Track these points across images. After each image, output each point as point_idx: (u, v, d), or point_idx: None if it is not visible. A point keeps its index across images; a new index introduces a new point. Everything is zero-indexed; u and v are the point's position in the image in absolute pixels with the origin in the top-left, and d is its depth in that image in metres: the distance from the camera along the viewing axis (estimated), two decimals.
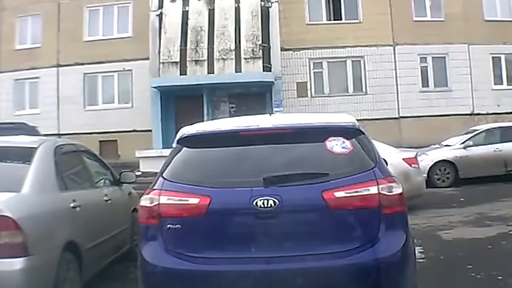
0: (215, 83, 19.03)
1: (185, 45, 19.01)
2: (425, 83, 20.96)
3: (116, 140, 20.69)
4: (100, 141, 19.98)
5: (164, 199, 3.68)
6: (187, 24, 19.25)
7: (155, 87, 19.26)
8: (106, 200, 5.71)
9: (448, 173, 13.48)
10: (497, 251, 6.38)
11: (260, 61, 18.78)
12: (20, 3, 21.74)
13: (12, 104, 21.51)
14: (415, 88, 20.71)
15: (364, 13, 20.71)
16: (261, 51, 18.80)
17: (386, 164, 4.00)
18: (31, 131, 11.28)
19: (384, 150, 9.95)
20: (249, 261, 3.52)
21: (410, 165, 9.71)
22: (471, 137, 14.18)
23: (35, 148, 4.76)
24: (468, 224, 8.34)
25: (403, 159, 9.74)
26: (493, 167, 13.39)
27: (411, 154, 10.19)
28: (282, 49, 19.99)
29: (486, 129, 14.61)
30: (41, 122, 20.34)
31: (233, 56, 18.74)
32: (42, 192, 4.40)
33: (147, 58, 19.75)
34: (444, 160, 13.55)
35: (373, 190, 3.59)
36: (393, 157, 9.65)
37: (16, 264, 3.79)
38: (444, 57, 20.90)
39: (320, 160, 3.79)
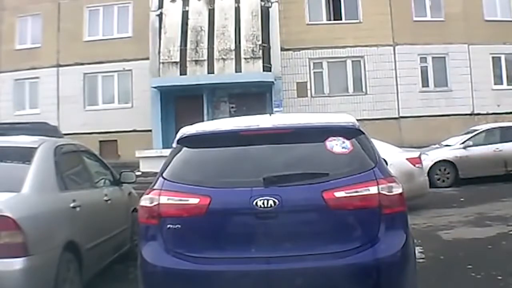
0: (215, 83, 19.04)
1: (185, 45, 19.01)
2: (425, 83, 20.96)
3: (116, 140, 20.68)
4: (100, 141, 19.97)
5: (164, 199, 3.68)
6: (187, 24, 19.25)
7: (155, 87, 19.26)
8: (106, 200, 5.71)
9: (448, 173, 13.48)
10: (497, 251, 6.38)
11: (260, 61, 18.78)
12: (20, 3, 21.74)
13: (12, 104, 21.51)
14: (415, 88, 20.70)
15: (364, 13, 20.71)
16: (261, 51, 18.80)
17: (386, 164, 4.00)
18: (53, 131, 11.15)
19: (387, 150, 10.00)
20: (249, 261, 3.52)
21: (414, 165, 9.70)
22: (471, 137, 14.18)
23: (35, 148, 4.76)
24: (468, 224, 8.34)
25: (407, 159, 9.75)
26: (493, 167, 13.39)
27: (414, 154, 10.18)
28: (282, 49, 19.99)
29: (486, 129, 14.61)
30: None
31: (233, 56, 18.74)
32: (42, 192, 4.41)
33: (147, 58, 19.75)
34: (444, 160, 13.54)
35: (373, 190, 3.59)
36: (396, 157, 9.70)
37: (16, 264, 3.79)
38: (444, 57, 20.90)
39: (320, 160, 3.79)
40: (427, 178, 9.77)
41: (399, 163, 9.53)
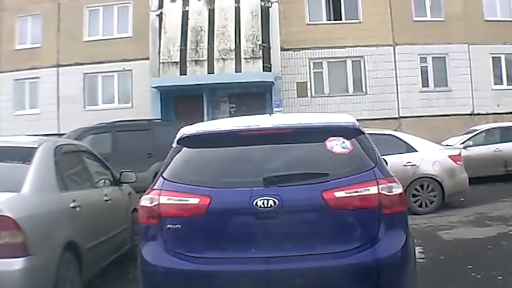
0: (215, 83, 19.03)
1: (185, 45, 19.01)
2: (425, 83, 20.93)
3: None
4: None
5: (164, 199, 3.68)
6: (187, 24, 19.24)
7: (155, 87, 19.26)
8: (106, 200, 5.72)
9: None
10: (497, 251, 6.38)
11: (260, 61, 18.77)
12: (20, 3, 21.71)
13: (12, 104, 21.48)
14: (415, 88, 20.68)
15: (364, 13, 20.70)
16: (261, 51, 18.79)
17: (386, 164, 4.00)
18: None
19: (431, 148, 10.26)
20: (249, 261, 3.53)
21: (456, 162, 9.90)
22: (471, 137, 14.19)
23: (35, 148, 4.76)
24: (468, 224, 8.35)
25: (449, 156, 9.95)
26: (493, 167, 13.39)
27: (456, 151, 10.35)
28: (282, 49, 19.97)
29: (486, 129, 14.62)
30: (41, 122, 20.40)
31: (233, 56, 18.74)
32: (42, 192, 4.41)
33: (147, 58, 19.74)
34: None
35: (373, 190, 3.59)
36: (439, 154, 9.93)
37: (16, 264, 3.79)
38: (444, 57, 20.88)
39: (320, 160, 3.79)
40: (467, 175, 9.93)
41: (443, 160, 9.79)
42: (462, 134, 14.77)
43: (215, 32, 18.97)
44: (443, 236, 7.57)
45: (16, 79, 21.55)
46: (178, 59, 18.95)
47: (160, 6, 19.85)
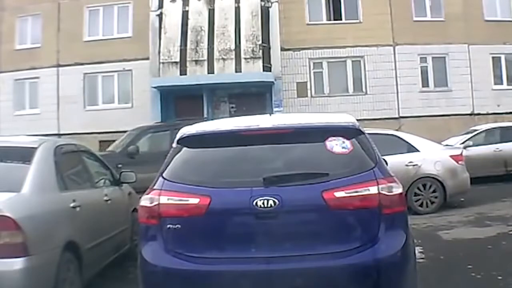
0: (215, 83, 19.03)
1: (185, 45, 19.01)
2: (425, 83, 20.93)
3: (116, 140, 20.63)
4: (100, 141, 19.92)
5: (164, 199, 3.68)
6: (187, 24, 19.24)
7: (155, 87, 19.26)
8: (106, 200, 5.72)
9: None
10: (497, 251, 6.38)
11: (260, 61, 18.77)
12: (20, 3, 21.70)
13: (12, 104, 21.48)
14: (415, 88, 20.67)
15: (364, 13, 20.69)
16: (261, 51, 18.79)
17: (386, 164, 4.00)
18: None
19: (431, 147, 10.29)
20: (249, 261, 3.53)
21: (457, 162, 9.93)
22: (471, 137, 14.19)
23: (35, 148, 4.76)
24: (468, 224, 8.35)
25: (450, 156, 9.97)
26: (493, 167, 13.38)
27: (457, 151, 10.37)
28: (282, 49, 19.97)
29: (486, 129, 14.62)
30: (41, 122, 20.39)
31: (233, 56, 18.73)
32: (42, 192, 4.41)
33: (147, 58, 19.73)
34: None
35: (373, 190, 3.59)
36: (441, 154, 9.96)
37: (16, 264, 3.80)
38: (444, 57, 20.87)
39: (320, 160, 3.79)
40: (468, 175, 9.95)
41: (444, 160, 9.85)
42: (462, 134, 14.77)
43: (215, 32, 18.96)
44: (443, 236, 7.57)
45: (16, 79, 21.54)
46: (178, 59, 18.94)
47: (160, 6, 19.84)
